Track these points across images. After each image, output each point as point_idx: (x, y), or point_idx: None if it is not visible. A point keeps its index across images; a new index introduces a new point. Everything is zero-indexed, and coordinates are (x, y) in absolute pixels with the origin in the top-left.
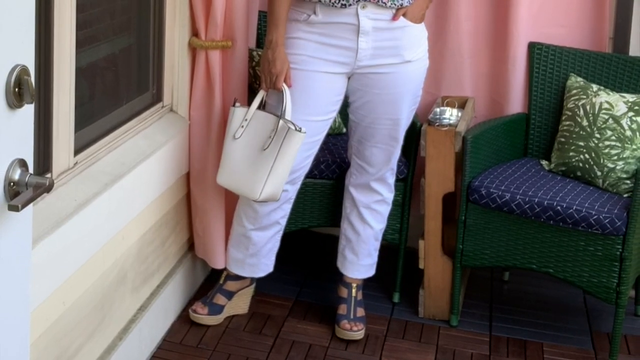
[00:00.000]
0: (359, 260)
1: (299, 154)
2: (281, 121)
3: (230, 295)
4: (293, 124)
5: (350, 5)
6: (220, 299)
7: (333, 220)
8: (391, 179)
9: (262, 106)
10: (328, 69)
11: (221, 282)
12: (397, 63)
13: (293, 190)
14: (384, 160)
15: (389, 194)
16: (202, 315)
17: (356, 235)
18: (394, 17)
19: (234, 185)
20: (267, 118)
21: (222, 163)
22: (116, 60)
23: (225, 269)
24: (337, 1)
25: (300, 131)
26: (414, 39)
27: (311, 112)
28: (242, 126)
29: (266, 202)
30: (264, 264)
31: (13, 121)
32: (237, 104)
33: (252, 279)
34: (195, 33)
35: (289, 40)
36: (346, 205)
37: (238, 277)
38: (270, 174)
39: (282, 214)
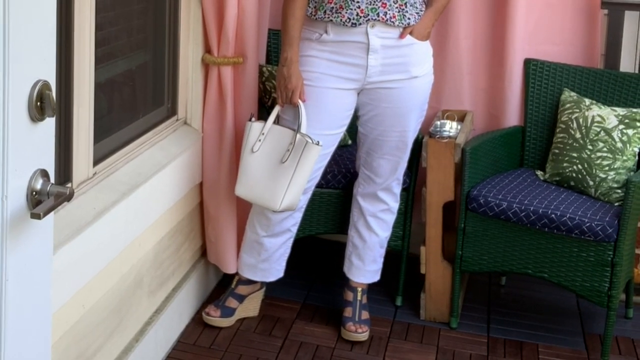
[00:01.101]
0: (365, 266)
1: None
2: (298, 135)
3: (241, 298)
4: (309, 137)
5: (360, 24)
6: (232, 302)
7: (339, 227)
8: (397, 189)
9: (277, 121)
10: (339, 85)
11: (233, 286)
12: (404, 79)
13: (304, 200)
14: (391, 171)
15: (394, 203)
16: (215, 317)
17: (362, 242)
18: (401, 36)
19: (252, 197)
20: (283, 132)
21: (240, 176)
22: (133, 75)
23: (236, 273)
24: (348, 21)
25: (318, 144)
26: (421, 55)
27: (324, 127)
28: (260, 140)
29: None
30: (275, 269)
31: (35, 133)
32: (253, 119)
33: (263, 283)
34: (208, 50)
35: (302, 58)
36: (354, 213)
37: (249, 282)
38: (289, 185)
39: (293, 222)
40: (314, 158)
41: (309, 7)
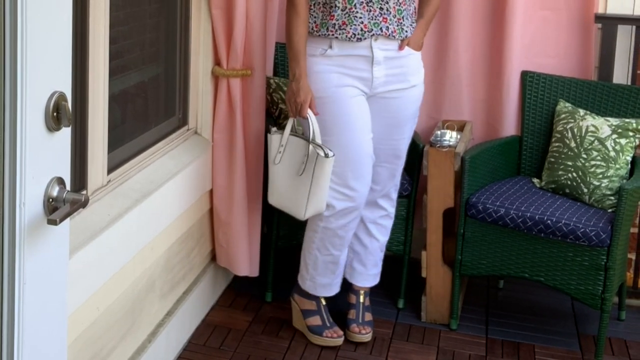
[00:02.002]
0: (367, 270)
1: (369, 172)
2: (311, 146)
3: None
4: (322, 148)
5: (365, 38)
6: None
7: None
8: (395, 194)
9: (294, 130)
10: (355, 93)
11: (324, 304)
12: (405, 88)
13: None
14: (389, 178)
15: (392, 209)
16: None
17: (364, 248)
18: (400, 47)
19: (281, 206)
20: (299, 142)
21: (269, 186)
22: (145, 87)
23: (316, 298)
24: (353, 36)
25: (327, 156)
26: (416, 65)
27: (364, 132)
28: (280, 152)
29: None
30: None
31: (52, 143)
32: (273, 130)
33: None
34: (217, 62)
35: (313, 75)
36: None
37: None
38: (309, 197)
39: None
40: (328, 169)
41: (310, 21)
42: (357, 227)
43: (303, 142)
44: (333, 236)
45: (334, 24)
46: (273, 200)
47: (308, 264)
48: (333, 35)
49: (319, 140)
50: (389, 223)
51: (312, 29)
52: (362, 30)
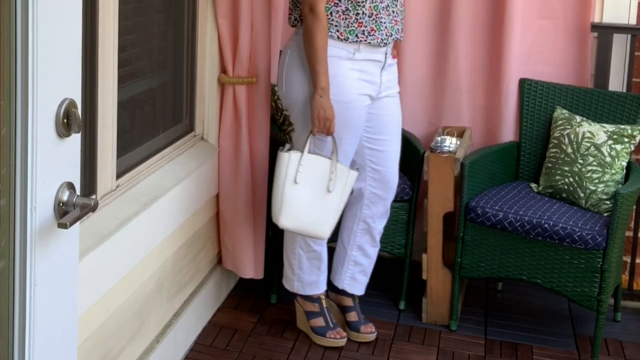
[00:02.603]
0: (367, 279)
1: None
2: (339, 164)
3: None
4: (343, 164)
5: (388, 43)
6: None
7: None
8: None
9: (311, 148)
10: (366, 102)
11: (325, 307)
12: (394, 93)
13: None
14: (397, 179)
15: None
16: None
17: (368, 259)
18: (394, 55)
19: (300, 227)
20: (318, 160)
21: (283, 207)
22: (153, 94)
23: (317, 300)
24: (381, 42)
25: (356, 170)
26: (396, 74)
27: (353, 139)
28: (300, 171)
29: None
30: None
31: (62, 149)
32: (289, 148)
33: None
34: (223, 70)
35: (338, 78)
36: (357, 234)
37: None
38: (336, 212)
39: None
40: (353, 183)
41: (332, 30)
42: (363, 239)
43: (322, 159)
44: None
45: (363, 30)
46: (287, 222)
47: (293, 264)
48: (362, 40)
49: (337, 157)
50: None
51: (337, 36)
52: (386, 35)
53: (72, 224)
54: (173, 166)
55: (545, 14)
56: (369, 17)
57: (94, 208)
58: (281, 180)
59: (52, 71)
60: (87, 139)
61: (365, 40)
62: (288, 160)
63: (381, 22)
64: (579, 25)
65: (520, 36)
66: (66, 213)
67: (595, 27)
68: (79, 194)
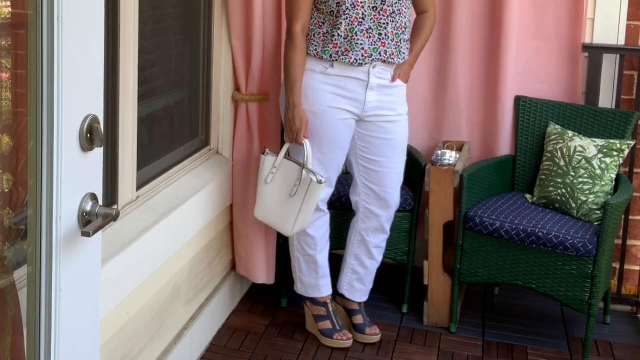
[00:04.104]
0: (366, 287)
1: (334, 183)
2: (304, 171)
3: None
4: (314, 174)
5: (365, 64)
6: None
7: (339, 244)
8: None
9: (288, 154)
10: (342, 116)
11: (332, 310)
12: (393, 115)
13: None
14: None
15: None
16: (350, 339)
17: (365, 269)
18: (393, 79)
19: (268, 221)
20: (292, 166)
21: (257, 201)
22: (171, 111)
23: (324, 304)
24: (355, 62)
25: (321, 182)
26: (403, 96)
27: (333, 153)
28: (272, 173)
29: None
30: (329, 281)
31: (86, 162)
32: (267, 152)
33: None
34: (237, 88)
35: (308, 90)
36: (354, 245)
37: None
38: (298, 216)
39: (328, 236)
40: (318, 194)
41: (311, 49)
42: (359, 250)
43: (295, 166)
44: (305, 236)
45: (337, 51)
46: (258, 214)
47: (295, 267)
48: (334, 59)
49: (311, 166)
50: (385, 244)
51: (314, 54)
52: (362, 55)
53: (95, 232)
54: (190, 178)
55: (539, 35)
56: (344, 38)
57: (115, 218)
58: (259, 179)
59: (76, 89)
60: (109, 152)
61: (339, 60)
62: (263, 162)
63: (357, 43)
64: (571, 46)
65: (516, 56)
66: (89, 222)
67: (586, 47)
68: (101, 204)
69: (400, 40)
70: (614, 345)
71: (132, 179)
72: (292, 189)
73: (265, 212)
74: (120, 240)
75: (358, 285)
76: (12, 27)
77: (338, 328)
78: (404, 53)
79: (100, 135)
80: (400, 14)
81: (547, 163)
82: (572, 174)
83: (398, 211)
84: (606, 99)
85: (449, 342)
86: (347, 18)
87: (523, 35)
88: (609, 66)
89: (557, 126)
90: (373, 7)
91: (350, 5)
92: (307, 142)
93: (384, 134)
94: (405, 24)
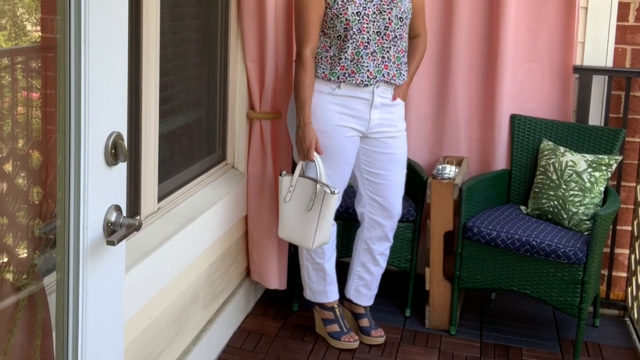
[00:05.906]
0: (371, 292)
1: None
2: (318, 185)
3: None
4: (328, 186)
5: (370, 85)
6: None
7: (345, 251)
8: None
9: (302, 172)
10: (349, 134)
11: (339, 314)
12: (394, 131)
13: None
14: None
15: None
16: (356, 340)
17: (370, 275)
18: (394, 97)
19: (291, 238)
20: (307, 183)
21: (279, 222)
22: (190, 128)
23: (332, 309)
24: (361, 83)
25: (334, 193)
26: (402, 114)
27: (342, 168)
28: (290, 191)
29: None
30: (336, 288)
31: (110, 176)
32: (284, 173)
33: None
34: (251, 107)
35: (318, 110)
36: (360, 252)
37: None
38: (317, 228)
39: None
40: (333, 204)
41: (319, 72)
42: (365, 257)
43: (310, 182)
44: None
45: (344, 72)
46: (283, 234)
47: (304, 274)
48: (342, 80)
49: (324, 180)
50: (389, 251)
51: (322, 76)
52: (368, 77)
53: (119, 241)
54: (207, 191)
55: (533, 57)
56: (351, 61)
57: (138, 227)
58: (279, 199)
59: (102, 108)
60: (132, 167)
61: (346, 81)
62: (281, 183)
63: (362, 65)
64: (563, 68)
65: (511, 77)
66: (114, 232)
67: (577, 69)
68: (125, 215)
69: (400, 62)
70: (602, 346)
71: (153, 192)
72: (308, 203)
73: (288, 230)
74: (143, 248)
75: (364, 290)
76: (42, 50)
77: (345, 330)
78: (403, 74)
79: (124, 150)
80: (401, 38)
81: (541, 177)
82: (564, 187)
83: (401, 221)
84: (595, 117)
85: (448, 344)
86: (353, 42)
87: (518, 57)
88: (598, 86)
89: (550, 142)
90: (377, 32)
91: (357, 30)
92: (317, 158)
93: (386, 149)
94: (405, 48)
